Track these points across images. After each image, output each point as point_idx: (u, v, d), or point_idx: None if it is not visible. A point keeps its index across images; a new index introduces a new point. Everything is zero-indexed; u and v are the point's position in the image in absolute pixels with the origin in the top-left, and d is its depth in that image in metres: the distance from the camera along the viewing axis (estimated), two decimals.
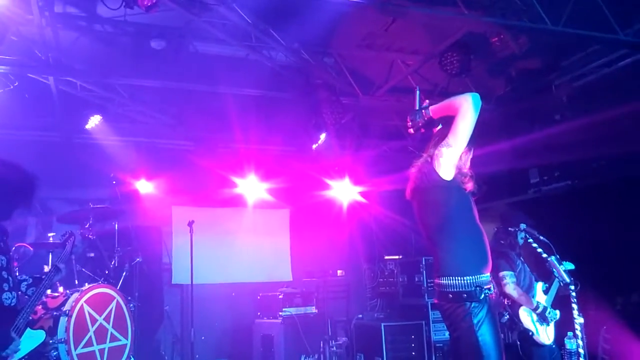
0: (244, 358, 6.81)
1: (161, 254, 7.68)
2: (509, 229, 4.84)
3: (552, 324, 4.74)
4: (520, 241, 4.78)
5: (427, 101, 3.20)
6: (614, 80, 4.78)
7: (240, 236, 8.01)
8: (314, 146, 6.82)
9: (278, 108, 6.34)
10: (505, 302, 4.78)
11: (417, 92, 3.27)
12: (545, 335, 4.65)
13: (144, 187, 7.25)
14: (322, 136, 6.64)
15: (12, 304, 3.63)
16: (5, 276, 3.64)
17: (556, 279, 4.63)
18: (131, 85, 5.86)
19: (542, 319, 4.66)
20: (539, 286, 4.87)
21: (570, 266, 4.75)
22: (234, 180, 7.50)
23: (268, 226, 8.27)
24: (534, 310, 4.66)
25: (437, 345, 6.99)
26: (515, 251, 4.85)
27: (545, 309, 4.67)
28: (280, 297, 6.65)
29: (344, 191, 8.09)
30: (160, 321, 7.49)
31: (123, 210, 6.63)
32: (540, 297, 4.83)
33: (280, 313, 6.50)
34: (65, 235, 4.60)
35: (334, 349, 7.09)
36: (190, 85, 5.88)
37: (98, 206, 5.90)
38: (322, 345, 6.63)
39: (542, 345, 4.62)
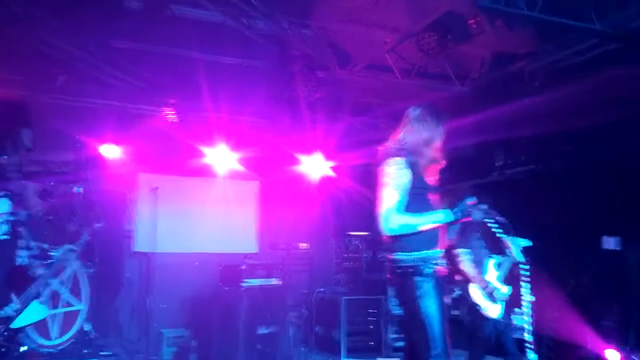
0: (202, 328, 6.83)
1: (124, 221, 7.58)
2: None
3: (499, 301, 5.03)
4: (478, 217, 4.99)
5: None
6: (585, 68, 4.98)
7: (207, 206, 7.98)
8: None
9: (252, 78, 6.28)
10: (457, 278, 5.03)
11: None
12: (493, 310, 4.97)
13: (110, 151, 7.09)
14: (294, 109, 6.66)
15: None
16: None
17: (509, 257, 4.91)
18: (103, 45, 5.70)
19: (490, 297, 4.94)
20: (492, 262, 5.16)
21: (527, 242, 5.02)
22: (203, 149, 7.42)
23: (235, 197, 8.26)
24: (484, 288, 4.93)
25: (395, 319, 7.20)
26: (470, 228, 5.09)
27: (494, 289, 4.94)
28: (243, 267, 6.68)
29: (315, 165, 8.11)
30: (120, 288, 7.43)
31: (86, 174, 6.51)
32: (492, 273, 5.11)
33: (242, 284, 6.53)
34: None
35: (293, 320, 7.21)
36: (165, 49, 5.76)
37: (58, 169, 5.79)
38: (281, 317, 6.73)
39: (489, 319, 4.96)
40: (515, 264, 4.75)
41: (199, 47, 5.75)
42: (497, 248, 5.13)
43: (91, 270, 5.77)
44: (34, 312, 3.66)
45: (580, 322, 5.80)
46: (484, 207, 4.94)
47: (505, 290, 5.05)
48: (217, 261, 7.28)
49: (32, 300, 3.61)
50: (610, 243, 5.95)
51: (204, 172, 7.79)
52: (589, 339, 5.73)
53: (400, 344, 6.93)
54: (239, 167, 7.79)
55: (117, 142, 7.06)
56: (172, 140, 7.02)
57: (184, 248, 7.76)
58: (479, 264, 5.12)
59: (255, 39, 5.41)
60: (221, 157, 7.57)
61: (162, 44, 5.68)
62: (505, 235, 4.72)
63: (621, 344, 5.50)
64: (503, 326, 5.04)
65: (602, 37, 4.32)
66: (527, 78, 4.99)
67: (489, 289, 4.97)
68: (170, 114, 6.63)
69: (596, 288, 5.98)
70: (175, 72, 6.21)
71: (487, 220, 4.87)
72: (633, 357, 5.38)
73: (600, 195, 5.91)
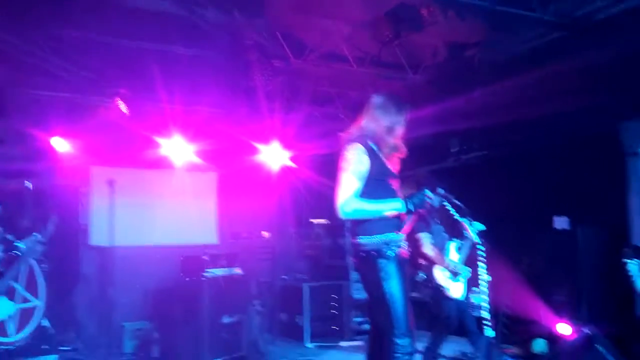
0: (165, 319, 6.77)
1: (78, 215, 7.41)
2: None
3: (462, 281, 5.20)
4: (436, 204, 5.11)
5: None
6: (531, 58, 5.11)
7: (165, 198, 7.86)
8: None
9: (207, 68, 6.16)
10: (421, 262, 5.17)
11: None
12: (456, 290, 5.18)
13: (60, 145, 6.85)
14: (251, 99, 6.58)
15: None
16: None
17: (468, 239, 5.07)
18: (50, 35, 5.46)
19: (454, 275, 5.10)
20: (453, 245, 5.33)
21: (481, 227, 5.19)
22: (158, 141, 7.24)
23: (194, 189, 8.16)
24: (447, 267, 5.10)
25: (358, 303, 7.34)
26: (430, 213, 5.21)
27: (456, 265, 5.11)
28: (205, 258, 6.63)
29: (273, 155, 8.04)
30: (77, 283, 7.29)
31: (36, 168, 6.31)
32: (453, 255, 5.31)
33: (204, 274, 6.49)
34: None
35: (258, 308, 7.23)
36: (114, 39, 5.58)
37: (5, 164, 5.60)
38: (245, 305, 6.74)
39: (452, 300, 5.16)
40: (474, 246, 4.90)
41: (149, 37, 5.59)
42: (456, 231, 5.28)
43: (46, 266, 5.63)
44: (3, 308, 3.53)
45: (534, 299, 6.03)
46: (442, 191, 5.09)
47: (468, 269, 5.23)
48: (177, 253, 7.17)
49: (1, 296, 3.48)
50: (561, 223, 6.19)
51: (161, 164, 7.63)
52: (542, 314, 5.97)
53: (365, 327, 7.07)
54: (197, 159, 7.67)
55: (67, 135, 6.83)
56: (126, 132, 6.82)
57: (142, 241, 7.63)
58: (440, 248, 5.27)
59: (207, 28, 5.29)
60: (178, 148, 7.42)
61: (110, 33, 5.49)
62: (462, 218, 4.85)
63: (573, 318, 5.74)
64: (465, 306, 5.22)
65: (547, 26, 4.43)
66: (476, 67, 5.11)
67: (452, 267, 5.12)
68: (122, 105, 6.42)
69: (548, 266, 6.21)
70: (125, 62, 6.02)
71: (445, 204, 5.00)
72: (584, 329, 5.61)
73: (551, 178, 6.13)
